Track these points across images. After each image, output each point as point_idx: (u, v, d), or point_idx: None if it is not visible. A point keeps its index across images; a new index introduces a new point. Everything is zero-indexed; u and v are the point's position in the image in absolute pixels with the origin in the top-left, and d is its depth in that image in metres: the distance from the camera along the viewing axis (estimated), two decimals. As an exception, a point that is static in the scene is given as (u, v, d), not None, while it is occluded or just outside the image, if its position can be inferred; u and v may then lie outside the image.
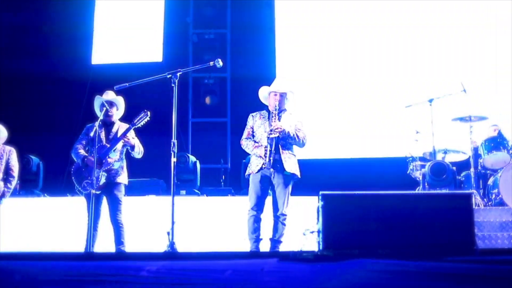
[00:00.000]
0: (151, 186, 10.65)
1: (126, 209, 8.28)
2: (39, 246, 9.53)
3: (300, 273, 4.89)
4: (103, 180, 7.94)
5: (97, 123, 7.91)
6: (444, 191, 9.76)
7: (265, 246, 7.91)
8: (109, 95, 8.34)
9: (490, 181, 9.76)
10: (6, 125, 9.09)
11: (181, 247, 7.12)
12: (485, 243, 8.00)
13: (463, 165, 10.47)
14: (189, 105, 13.34)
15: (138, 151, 8.20)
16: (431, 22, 13.02)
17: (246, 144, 8.05)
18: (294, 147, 8.00)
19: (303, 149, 8.15)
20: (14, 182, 9.03)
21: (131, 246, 8.23)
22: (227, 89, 13.36)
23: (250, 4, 13.59)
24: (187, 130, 13.24)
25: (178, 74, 7.26)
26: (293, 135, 7.86)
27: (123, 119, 8.42)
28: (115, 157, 8.07)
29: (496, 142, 9.91)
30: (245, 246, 7.98)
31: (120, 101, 8.39)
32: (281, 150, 7.81)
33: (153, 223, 9.32)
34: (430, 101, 10.44)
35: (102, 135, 8.15)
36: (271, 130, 7.76)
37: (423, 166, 10.16)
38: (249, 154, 8.15)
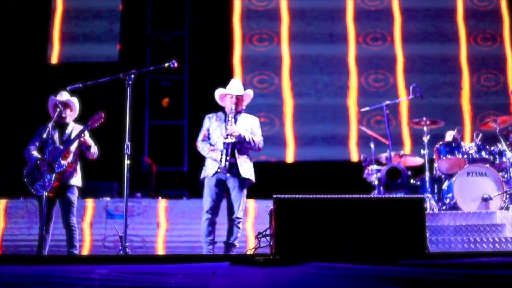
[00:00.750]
0: (106, 189, 10.57)
1: (79, 211, 8.18)
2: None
3: (252, 276, 4.88)
4: (56, 182, 7.82)
5: (50, 124, 7.80)
6: (399, 195, 9.83)
7: (219, 249, 7.88)
8: (63, 96, 8.21)
9: (445, 186, 9.84)
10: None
11: (134, 250, 7.07)
12: (439, 247, 8.05)
13: (418, 169, 10.56)
14: (146, 107, 13.25)
15: (94, 152, 8.09)
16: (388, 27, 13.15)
17: (201, 147, 8.01)
18: (250, 150, 7.99)
19: (258, 152, 8.14)
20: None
21: (85, 249, 8.15)
22: (185, 92, 13.31)
23: (208, 6, 13.57)
24: (143, 132, 13.14)
25: (132, 75, 7.18)
26: (249, 139, 7.84)
27: (77, 120, 8.31)
28: (68, 159, 7.95)
29: (451, 147, 10.00)
30: (200, 249, 7.95)
31: (75, 102, 8.27)
32: (237, 155, 7.78)
33: (106, 226, 9.24)
34: (387, 105, 10.51)
35: (56, 136, 8.03)
36: (227, 135, 7.72)
37: (378, 170, 10.22)
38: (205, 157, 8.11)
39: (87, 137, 7.98)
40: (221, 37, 13.58)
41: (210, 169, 7.83)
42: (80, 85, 7.44)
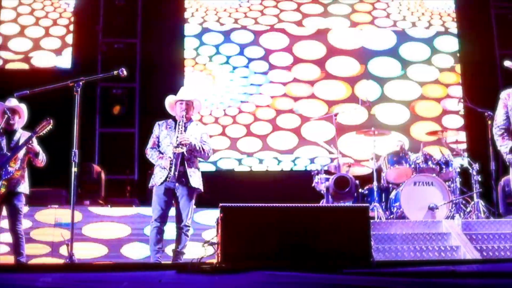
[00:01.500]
0: (54, 196, 10.44)
1: (26, 219, 8.10)
2: None
3: (198, 285, 4.89)
4: (2, 189, 7.73)
5: (-3, 131, 7.74)
6: (347, 204, 9.92)
7: (167, 258, 7.86)
8: (12, 102, 8.13)
9: (392, 195, 9.97)
10: None
11: (81, 258, 7.03)
12: (386, 256, 8.14)
13: (366, 179, 10.68)
14: (96, 115, 13.16)
15: (42, 159, 8.02)
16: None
17: (150, 154, 7.98)
18: (199, 159, 8.00)
19: (207, 161, 8.15)
20: None
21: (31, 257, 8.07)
22: (136, 99, 13.26)
23: (160, 14, 13.57)
24: (94, 140, 13.05)
25: (81, 82, 7.15)
26: (199, 148, 7.84)
27: (26, 127, 8.24)
28: (16, 166, 7.87)
29: (398, 156, 10.16)
30: (148, 257, 7.92)
31: (23, 108, 8.19)
32: (186, 164, 7.77)
33: (54, 234, 9.16)
34: (336, 115, 10.61)
35: (3, 143, 7.94)
36: (177, 145, 7.70)
37: (327, 179, 10.30)
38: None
39: (35, 144, 7.91)
40: (173, 46, 13.60)
41: (158, 178, 7.81)
42: (28, 91, 7.37)
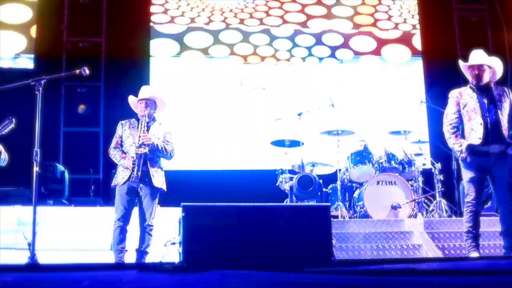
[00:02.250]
0: (17, 196, 10.37)
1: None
2: None
3: (159, 283, 4.89)
4: (-37, 189, 7.69)
5: (-42, 131, 7.68)
6: (311, 203, 9.99)
7: (131, 258, 7.85)
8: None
9: (356, 194, 10.06)
10: None
11: (44, 259, 6.98)
12: (348, 254, 8.21)
13: (330, 178, 10.74)
14: (61, 114, 13.07)
15: (3, 158, 7.97)
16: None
17: (113, 154, 7.98)
18: (162, 159, 8.00)
19: (170, 161, 8.15)
20: None
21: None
22: (101, 99, 13.19)
23: (125, 13, 13.52)
24: (58, 139, 12.96)
25: (42, 81, 7.10)
26: (162, 147, 7.84)
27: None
28: (-23, 166, 7.83)
29: (362, 156, 10.25)
30: (111, 257, 7.90)
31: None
32: (149, 164, 7.77)
33: (17, 234, 9.09)
34: (299, 114, 10.67)
35: (-35, 142, 7.90)
36: (140, 145, 7.69)
37: (291, 179, 10.36)
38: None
39: (-4, 144, 7.87)
40: (139, 44, 13.57)
41: (121, 177, 7.80)
42: (-14, 92, 7.33)
